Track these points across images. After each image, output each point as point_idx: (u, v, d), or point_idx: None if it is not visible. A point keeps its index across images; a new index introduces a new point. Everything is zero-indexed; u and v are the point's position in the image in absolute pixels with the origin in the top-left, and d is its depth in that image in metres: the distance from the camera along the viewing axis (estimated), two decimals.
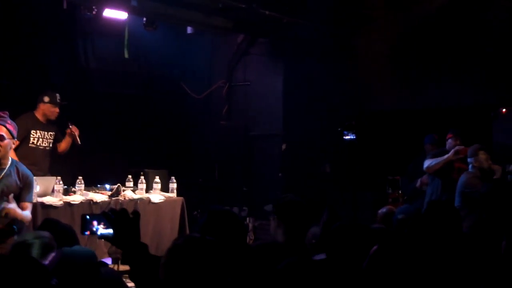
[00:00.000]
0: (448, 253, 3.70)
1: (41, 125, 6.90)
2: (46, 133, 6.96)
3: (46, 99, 6.91)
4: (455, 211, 4.23)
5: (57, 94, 6.96)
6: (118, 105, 8.95)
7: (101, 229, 2.54)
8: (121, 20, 7.61)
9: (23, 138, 6.66)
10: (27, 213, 4.91)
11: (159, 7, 7.54)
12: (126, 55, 8.02)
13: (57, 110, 6.97)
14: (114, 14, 7.39)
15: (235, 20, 8.25)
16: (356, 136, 8.36)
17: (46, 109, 6.92)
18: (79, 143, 7.09)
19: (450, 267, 3.58)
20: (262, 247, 3.37)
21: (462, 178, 6.48)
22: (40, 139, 6.89)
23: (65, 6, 7.19)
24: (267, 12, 8.07)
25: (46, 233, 3.32)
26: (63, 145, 7.17)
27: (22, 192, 4.90)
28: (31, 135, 6.80)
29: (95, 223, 2.54)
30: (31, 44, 7.93)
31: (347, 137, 8.41)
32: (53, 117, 6.98)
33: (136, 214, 2.53)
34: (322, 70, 9.07)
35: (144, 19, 7.62)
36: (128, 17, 7.56)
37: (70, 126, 7.05)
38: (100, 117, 8.62)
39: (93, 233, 2.57)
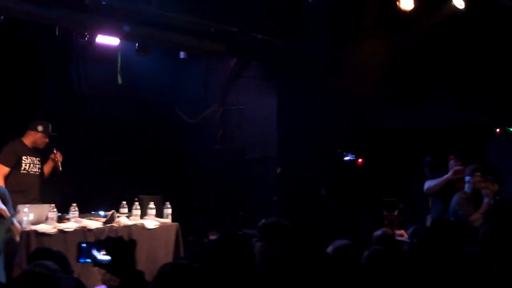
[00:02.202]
0: (450, 271, 3.69)
1: (30, 151, 6.86)
2: (35, 158, 6.91)
3: (40, 128, 6.88)
4: (458, 229, 4.22)
5: (49, 124, 6.95)
6: (112, 131, 8.91)
7: (100, 256, 2.54)
8: (113, 46, 7.60)
9: (14, 164, 6.63)
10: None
11: (151, 33, 7.53)
12: (119, 81, 8.01)
13: (47, 140, 6.96)
14: (107, 40, 7.39)
15: (228, 44, 8.25)
16: (355, 157, 8.37)
17: (38, 138, 6.90)
18: (60, 169, 7.05)
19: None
20: None
21: (455, 198, 6.47)
22: (31, 165, 6.84)
23: (57, 32, 7.21)
24: (259, 36, 8.09)
25: None
26: (46, 170, 7.11)
27: None
28: (23, 161, 6.76)
29: (94, 250, 2.56)
30: (24, 70, 7.93)
31: (347, 158, 8.41)
32: (42, 146, 6.96)
33: (132, 242, 2.57)
34: (316, 92, 9.08)
35: (136, 44, 7.62)
36: (121, 42, 7.56)
37: (55, 152, 7.00)
38: (94, 143, 8.58)
39: (91, 260, 2.57)
